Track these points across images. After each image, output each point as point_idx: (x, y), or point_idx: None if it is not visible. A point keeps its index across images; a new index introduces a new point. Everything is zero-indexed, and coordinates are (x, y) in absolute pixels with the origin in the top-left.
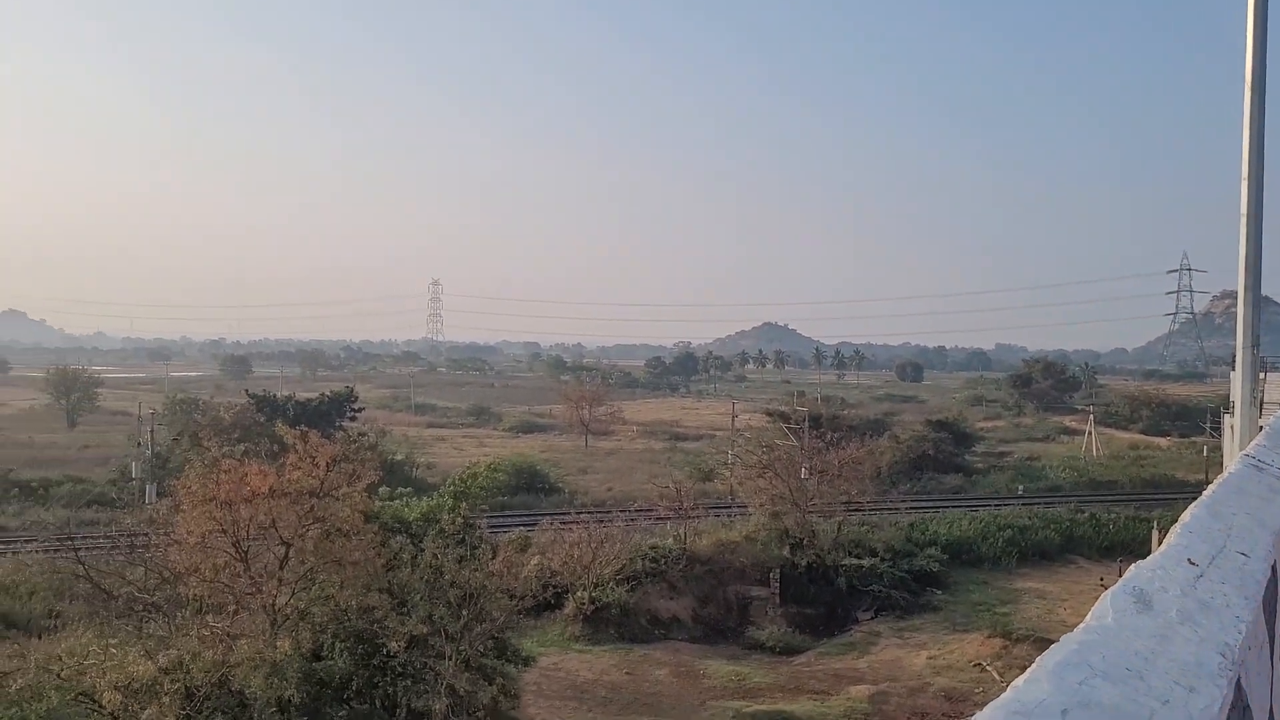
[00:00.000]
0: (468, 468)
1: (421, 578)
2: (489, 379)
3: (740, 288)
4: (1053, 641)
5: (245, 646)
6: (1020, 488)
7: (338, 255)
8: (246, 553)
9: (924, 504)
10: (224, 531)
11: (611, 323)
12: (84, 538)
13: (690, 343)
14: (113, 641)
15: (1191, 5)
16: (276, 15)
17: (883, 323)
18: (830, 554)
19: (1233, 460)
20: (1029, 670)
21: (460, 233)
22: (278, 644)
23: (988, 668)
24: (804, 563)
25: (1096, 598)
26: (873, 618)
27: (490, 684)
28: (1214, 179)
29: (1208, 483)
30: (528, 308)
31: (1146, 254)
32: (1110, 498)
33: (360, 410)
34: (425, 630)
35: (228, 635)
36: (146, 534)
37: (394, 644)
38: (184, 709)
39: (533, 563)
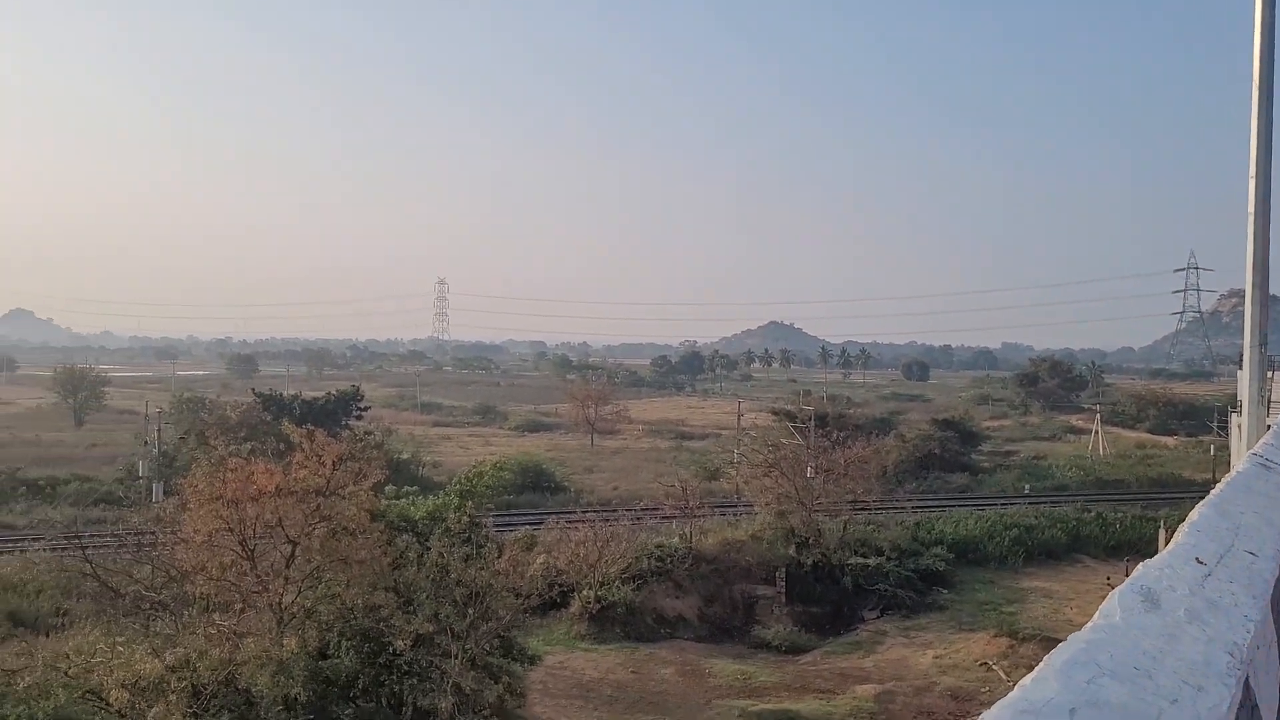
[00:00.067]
0: (473, 466)
1: (427, 576)
2: (495, 378)
3: (746, 287)
4: (1059, 641)
5: (252, 645)
6: (1026, 487)
7: (344, 255)
8: (253, 551)
9: (930, 503)
10: (230, 530)
11: (617, 321)
12: (91, 536)
13: (696, 341)
14: (120, 640)
15: (1198, 3)
16: (284, 16)
17: (888, 322)
18: (836, 553)
19: (1240, 459)
20: (1036, 669)
21: (466, 232)
22: (284, 642)
23: (994, 667)
24: (810, 562)
25: (1103, 597)
26: (879, 617)
27: (496, 682)
28: (1221, 177)
29: (1215, 482)
30: (534, 306)
31: (1153, 252)
32: (1117, 497)
33: (366, 409)
34: (431, 629)
35: (234, 633)
36: (153, 532)
37: (400, 642)
38: (191, 707)
39: (538, 561)
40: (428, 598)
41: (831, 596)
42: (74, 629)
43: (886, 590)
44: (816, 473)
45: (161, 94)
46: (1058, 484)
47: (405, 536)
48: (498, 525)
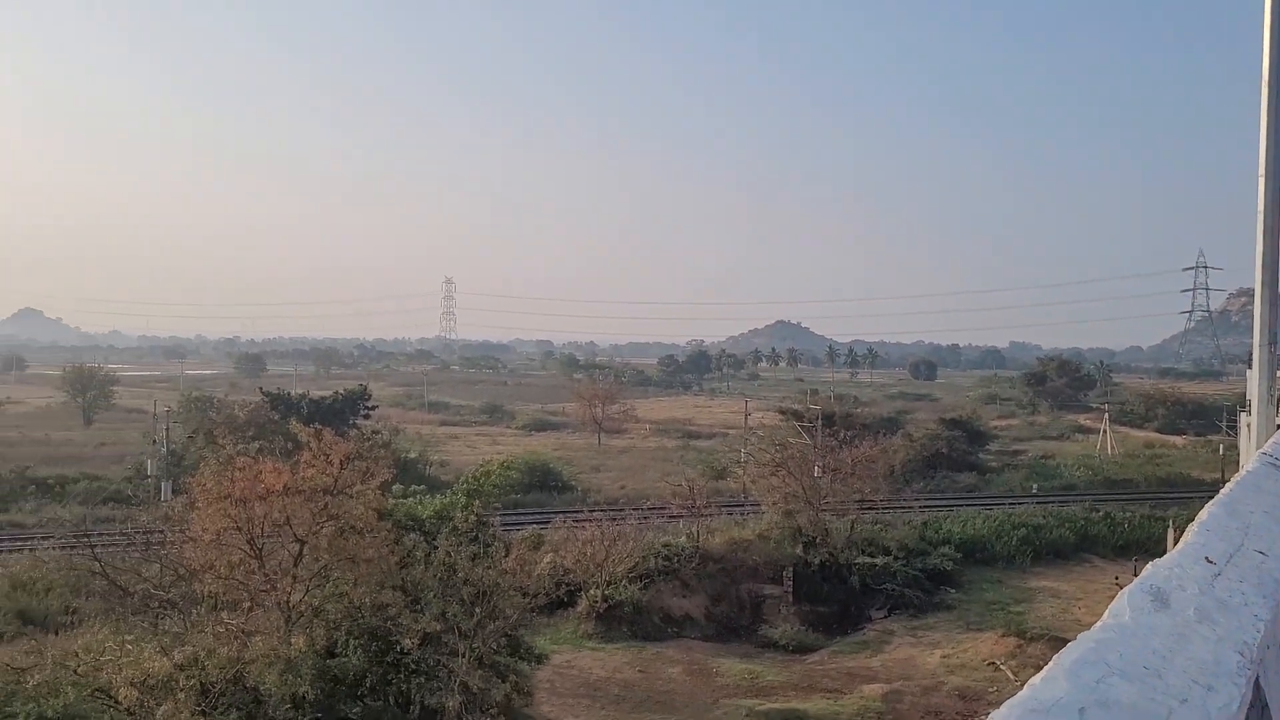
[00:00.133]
0: (481, 465)
1: (435, 575)
2: (502, 377)
3: (753, 286)
4: (1067, 641)
5: (260, 643)
6: (1035, 486)
7: (352, 254)
8: (261, 550)
9: (938, 502)
10: (239, 529)
11: (624, 321)
12: (100, 535)
13: (703, 341)
14: (129, 638)
15: (1207, 1)
16: (291, 17)
17: (896, 321)
18: (843, 552)
19: (1250, 459)
20: (1046, 668)
21: (473, 231)
22: (292, 641)
23: (1002, 667)
24: (817, 561)
25: (1111, 597)
26: (886, 616)
27: (503, 681)
28: (1230, 176)
29: (1224, 481)
30: (541, 306)
31: (1162, 251)
32: (1125, 496)
33: (374, 408)
34: (439, 627)
35: (242, 632)
36: (162, 531)
37: (407, 641)
38: (199, 705)
39: (546, 560)
40: (435, 596)
41: (839, 596)
42: (83, 627)
43: (894, 590)
44: (824, 472)
45: (170, 94)
46: (1066, 483)
47: (413, 535)
48: (505, 524)
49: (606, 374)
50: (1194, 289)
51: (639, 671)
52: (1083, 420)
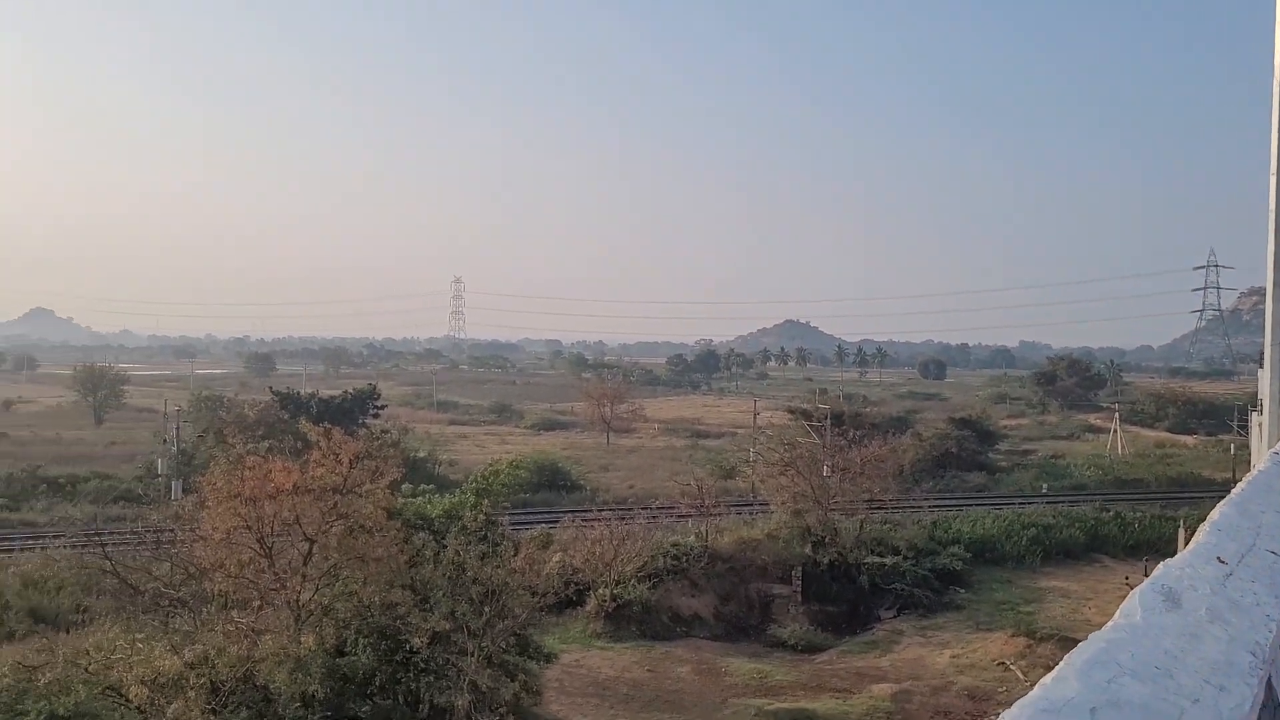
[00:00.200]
0: (490, 465)
1: (444, 574)
2: (510, 376)
3: (762, 285)
4: (1078, 641)
5: (270, 642)
6: (1044, 486)
7: (361, 254)
8: (271, 549)
9: (947, 502)
10: (248, 528)
11: (633, 320)
12: (111, 533)
13: (712, 340)
14: (139, 636)
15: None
16: (302, 18)
17: (905, 320)
18: (852, 552)
19: (1261, 458)
20: (1057, 668)
21: (482, 231)
22: (302, 639)
23: (1011, 667)
24: (826, 561)
25: (1122, 597)
26: (895, 616)
27: (512, 680)
28: (1241, 174)
29: (1235, 481)
30: (549, 305)
31: (1173, 250)
32: (1136, 496)
33: (383, 407)
34: (448, 626)
35: (252, 630)
36: (172, 530)
37: (417, 640)
38: (209, 703)
39: (555, 560)
40: (444, 595)
41: (848, 596)
42: (94, 625)
43: (903, 589)
44: (833, 472)
45: (180, 96)
46: (1076, 483)
47: (422, 534)
48: (514, 523)
49: (615, 373)
50: (1205, 288)
51: (648, 671)
52: (1093, 420)
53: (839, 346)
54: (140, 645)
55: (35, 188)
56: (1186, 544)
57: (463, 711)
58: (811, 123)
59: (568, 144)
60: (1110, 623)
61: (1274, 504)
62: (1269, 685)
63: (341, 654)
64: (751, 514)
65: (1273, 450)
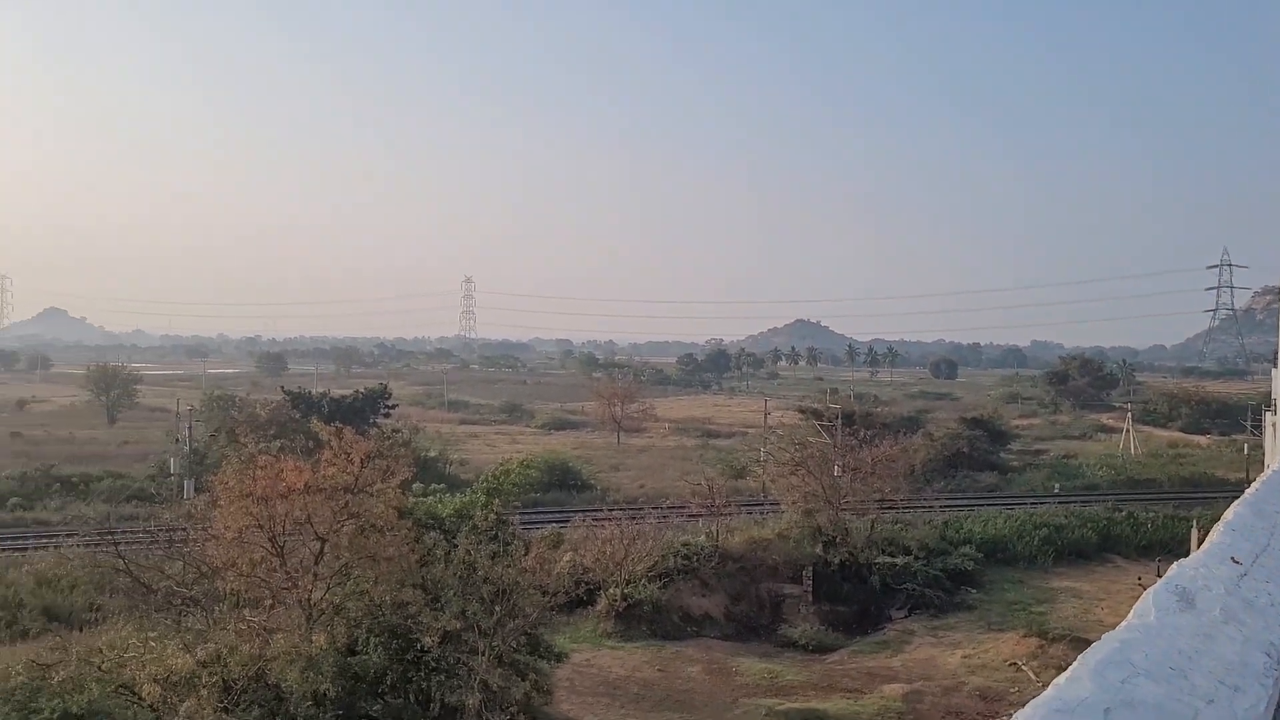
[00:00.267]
0: (500, 464)
1: (455, 574)
2: (521, 376)
3: (772, 285)
4: (1090, 641)
5: (281, 641)
6: (1056, 486)
7: (372, 254)
8: (282, 548)
9: (958, 502)
10: (260, 527)
11: (643, 320)
12: (124, 532)
13: (722, 340)
14: (152, 635)
15: None
16: (316, 19)
17: (916, 319)
18: (863, 552)
19: (1275, 458)
20: (1070, 668)
21: (492, 231)
22: (313, 638)
23: (1023, 667)
24: (837, 561)
25: (1134, 597)
26: (906, 616)
27: (523, 680)
28: (1256, 173)
29: (1249, 481)
30: (560, 305)
31: (1186, 249)
32: (1148, 496)
33: (394, 407)
34: (459, 626)
35: (264, 629)
36: (185, 529)
37: (428, 639)
38: (222, 702)
39: (565, 559)
40: (455, 595)
41: (859, 596)
42: (107, 624)
43: (914, 590)
44: (844, 471)
45: (192, 96)
46: (1088, 483)
47: (433, 534)
48: (525, 523)
49: (625, 373)
50: (1218, 287)
51: (658, 670)
52: (1105, 420)
53: (850, 346)
54: (153, 644)
55: (49, 189)
56: (1200, 544)
57: (474, 710)
58: (822, 122)
59: (578, 144)
60: (1124, 623)
61: None
62: None
63: (353, 653)
64: (762, 514)
65: None
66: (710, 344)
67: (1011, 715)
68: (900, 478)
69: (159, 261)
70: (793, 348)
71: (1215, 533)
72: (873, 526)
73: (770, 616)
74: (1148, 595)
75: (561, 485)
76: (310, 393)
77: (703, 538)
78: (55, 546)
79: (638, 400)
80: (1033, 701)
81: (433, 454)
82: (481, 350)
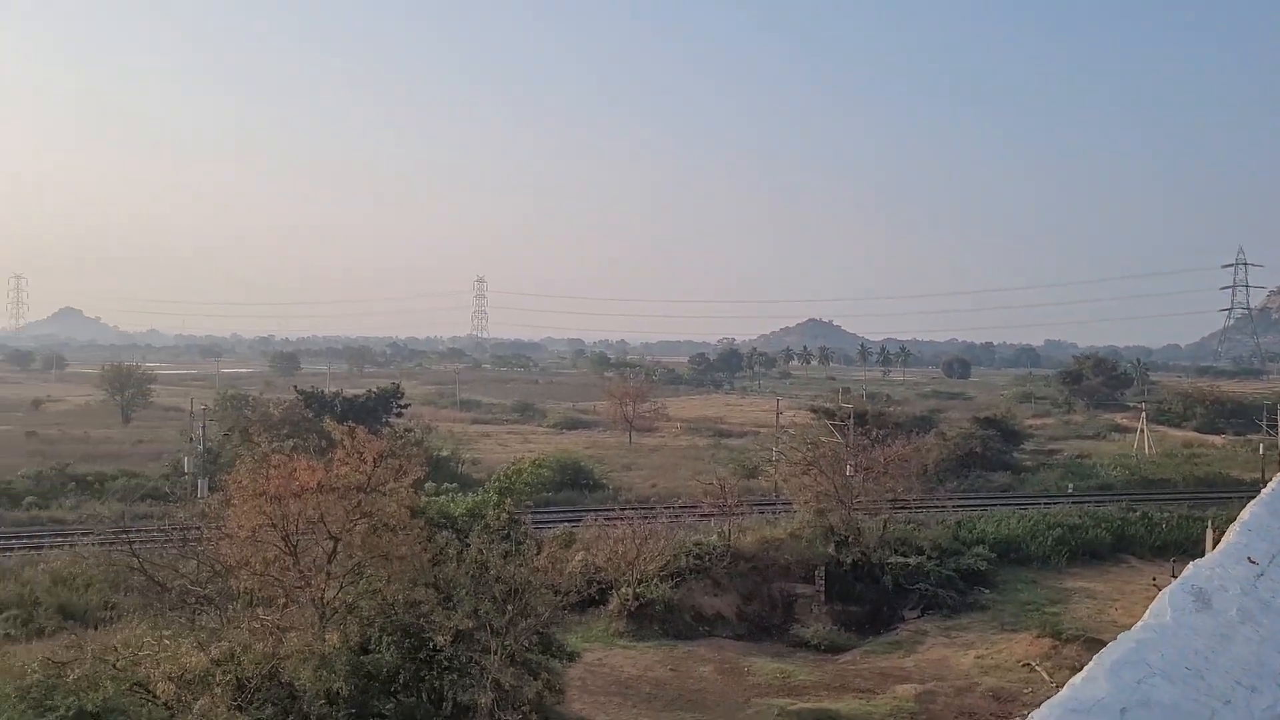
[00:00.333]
0: (512, 464)
1: (467, 573)
2: (533, 375)
3: (784, 285)
4: (1104, 642)
5: (295, 639)
6: (1070, 486)
7: (385, 254)
8: (296, 547)
9: (971, 502)
10: (274, 526)
11: (655, 319)
12: (138, 531)
13: (734, 339)
14: (166, 633)
15: None
16: (331, 20)
17: (929, 319)
18: (876, 552)
19: None
20: (1086, 668)
21: (505, 231)
22: (326, 637)
23: (1037, 668)
24: (849, 560)
25: (1149, 598)
26: (919, 616)
27: (535, 679)
28: (1272, 171)
29: (1264, 481)
30: (571, 304)
31: (1201, 248)
32: (1163, 496)
33: (406, 406)
34: (471, 625)
35: (278, 628)
36: (199, 528)
37: (440, 638)
38: (235, 700)
39: (577, 559)
40: (467, 594)
41: (871, 596)
42: (122, 622)
43: (927, 590)
44: (856, 471)
45: (208, 98)
46: (1102, 483)
47: (445, 533)
48: (537, 522)
49: (637, 372)
50: (1233, 286)
51: (670, 670)
52: (1119, 419)
53: (862, 345)
54: (167, 642)
55: (65, 190)
56: (1215, 545)
57: (486, 709)
58: (834, 121)
59: (591, 145)
60: (1140, 623)
61: None
62: None
63: (366, 652)
64: (774, 513)
65: None
66: (722, 343)
67: (1026, 716)
68: (913, 477)
69: (173, 262)
70: (805, 347)
71: (1231, 533)
72: (885, 526)
73: (782, 616)
74: (1164, 595)
75: (573, 485)
76: (323, 392)
77: (715, 537)
78: (71, 545)
79: (650, 400)
80: (1048, 701)
81: (445, 453)
82: (493, 350)
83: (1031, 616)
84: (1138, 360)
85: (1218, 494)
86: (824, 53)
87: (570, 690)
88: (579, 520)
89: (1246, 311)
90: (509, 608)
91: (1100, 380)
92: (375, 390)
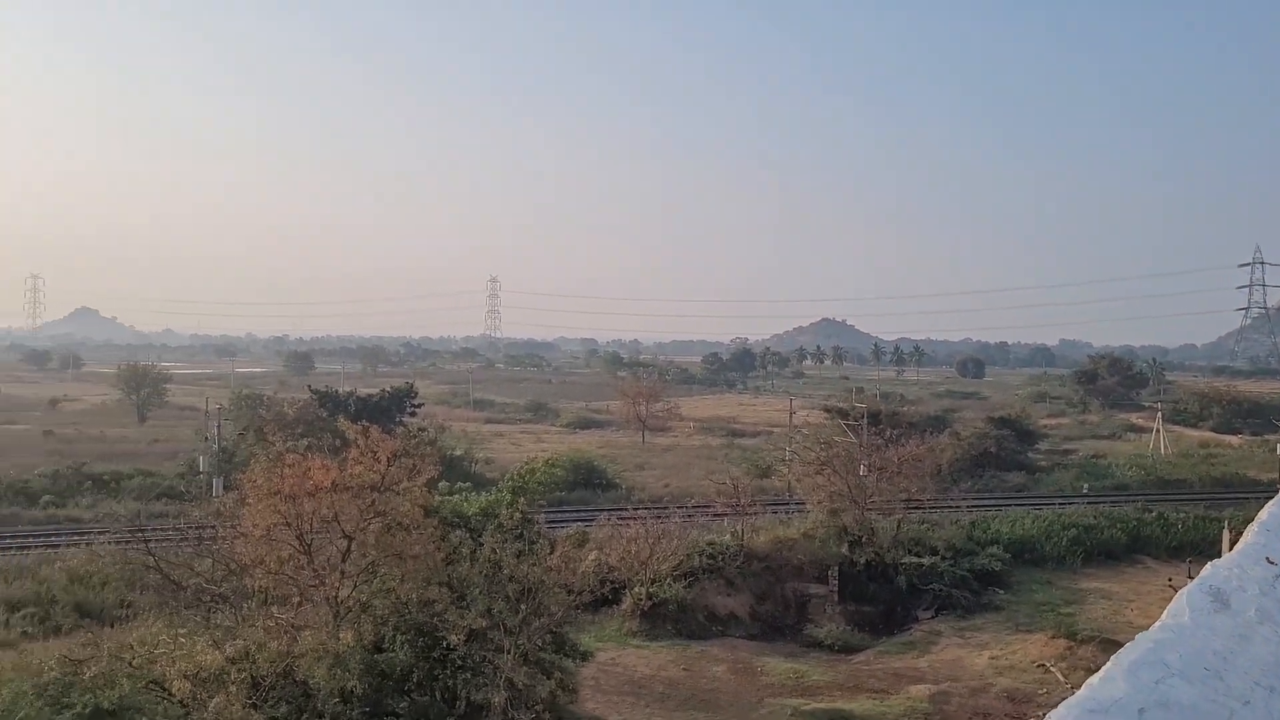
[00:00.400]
0: (526, 463)
1: (480, 572)
2: (546, 375)
3: (798, 284)
4: (1120, 643)
5: (309, 638)
6: (1085, 486)
7: (398, 253)
8: (310, 545)
9: (986, 502)
10: (288, 524)
11: (668, 319)
12: (154, 530)
13: (747, 339)
14: (182, 631)
15: None
16: (344, 20)
17: (943, 318)
18: (890, 552)
19: None
20: (1104, 668)
21: (518, 231)
22: (340, 636)
23: (1051, 669)
24: (863, 560)
25: (1165, 599)
26: (933, 617)
27: (548, 678)
28: None
29: None
30: (585, 304)
31: (1218, 247)
32: (1179, 497)
33: (420, 406)
34: (484, 624)
35: (292, 626)
36: (214, 526)
37: (454, 637)
38: (250, 698)
39: (590, 558)
40: (481, 593)
41: (885, 596)
42: (138, 620)
43: (941, 590)
44: (870, 471)
45: (222, 100)
46: (1117, 483)
47: (459, 532)
48: (550, 522)
49: (650, 372)
50: (1250, 285)
51: (683, 670)
52: (1135, 419)
53: (875, 345)
54: (183, 640)
55: (81, 191)
56: (1232, 545)
57: (499, 708)
58: (847, 121)
59: (604, 145)
60: (1158, 623)
61: None
62: None
63: (379, 650)
64: (787, 513)
65: None
66: (735, 343)
67: (1041, 717)
68: (927, 477)
69: (189, 262)
70: (818, 347)
71: (1249, 533)
72: (899, 526)
73: (796, 616)
74: (1181, 596)
75: (586, 484)
76: (337, 392)
77: (728, 537)
78: (87, 544)
79: (662, 399)
80: (1066, 701)
81: (458, 453)
82: (507, 349)
83: (1046, 617)
84: (1153, 360)
85: (1234, 494)
86: (836, 54)
87: (583, 690)
88: (592, 520)
89: (1263, 311)
90: (522, 607)
91: (1116, 380)
92: (389, 390)
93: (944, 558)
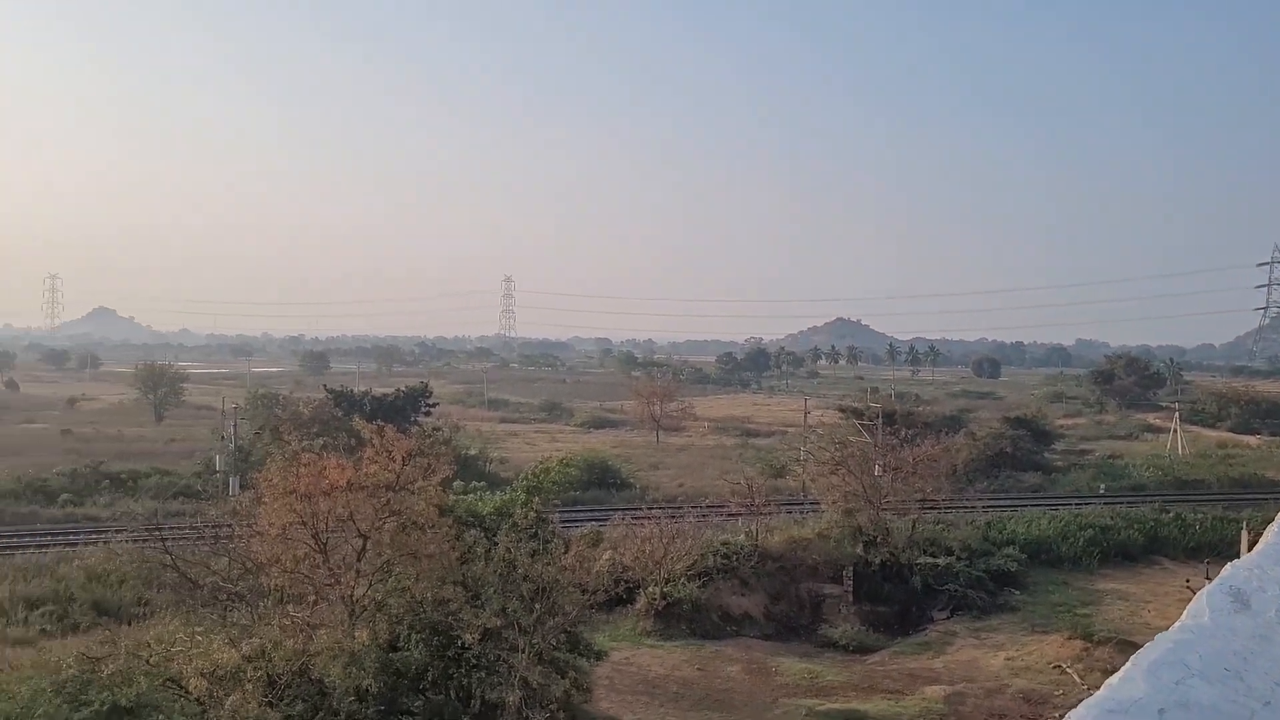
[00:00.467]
0: (540, 463)
1: (495, 571)
2: (561, 375)
3: (812, 284)
4: (1137, 644)
5: (325, 636)
6: (1102, 486)
7: (413, 254)
8: (325, 544)
9: (1002, 502)
10: (304, 523)
11: (682, 319)
12: (171, 528)
13: (762, 339)
14: (198, 629)
15: None
16: (362, 22)
17: (958, 318)
18: (905, 552)
19: None
20: (1123, 668)
21: (532, 231)
22: (356, 634)
23: (1068, 670)
24: (878, 561)
25: (1182, 600)
26: (948, 617)
27: (563, 677)
28: None
29: None
30: (599, 304)
31: (1235, 246)
32: (1197, 497)
33: (435, 405)
34: (499, 623)
35: (308, 625)
36: (230, 525)
37: (468, 636)
38: (266, 696)
39: (605, 558)
40: (495, 592)
41: (900, 596)
42: (155, 618)
43: (956, 590)
44: (884, 471)
45: (239, 101)
46: (1134, 484)
47: (473, 531)
48: (564, 521)
49: (665, 372)
50: (1269, 284)
51: (697, 669)
52: (1152, 419)
53: (890, 345)
54: (199, 638)
55: (100, 192)
56: (1250, 546)
57: (514, 708)
58: (861, 121)
59: (618, 145)
60: (1177, 624)
61: None
62: None
63: (394, 649)
64: (802, 513)
65: None
66: (750, 343)
67: (1057, 718)
68: (942, 477)
69: (205, 262)
70: (833, 346)
71: (1269, 533)
72: (914, 526)
73: (810, 616)
74: (1201, 596)
75: (601, 484)
76: (352, 391)
77: (742, 537)
78: (105, 542)
79: (677, 399)
80: (1085, 701)
81: (473, 452)
82: (521, 349)
83: (1063, 618)
84: (1171, 360)
85: (1253, 495)
86: (849, 55)
87: (597, 689)
88: (606, 519)
89: None
90: (537, 606)
91: (1133, 380)
92: (404, 389)
93: (959, 558)
